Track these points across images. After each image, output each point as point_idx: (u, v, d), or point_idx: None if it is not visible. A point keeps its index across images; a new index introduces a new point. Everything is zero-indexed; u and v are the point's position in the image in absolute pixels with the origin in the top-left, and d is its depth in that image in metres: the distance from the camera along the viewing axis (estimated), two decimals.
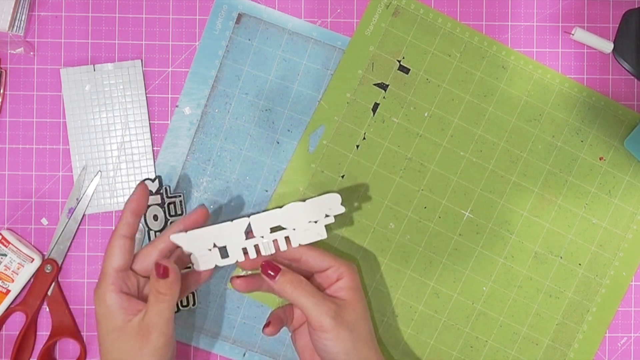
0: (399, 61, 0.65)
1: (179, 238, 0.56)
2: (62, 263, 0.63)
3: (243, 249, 0.57)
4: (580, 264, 0.65)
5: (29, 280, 0.62)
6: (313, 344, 0.57)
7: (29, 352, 0.63)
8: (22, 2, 0.63)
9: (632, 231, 0.65)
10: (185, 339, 0.64)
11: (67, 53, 0.64)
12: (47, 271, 0.62)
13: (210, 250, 0.57)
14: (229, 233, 0.57)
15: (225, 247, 0.57)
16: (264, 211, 0.59)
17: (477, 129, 0.65)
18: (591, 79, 0.66)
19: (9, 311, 0.62)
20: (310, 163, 0.64)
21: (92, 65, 0.64)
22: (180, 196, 0.63)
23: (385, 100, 0.65)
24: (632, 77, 0.66)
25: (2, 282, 0.61)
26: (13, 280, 0.61)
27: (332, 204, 0.57)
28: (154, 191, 0.63)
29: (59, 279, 0.63)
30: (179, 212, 0.63)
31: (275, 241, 0.57)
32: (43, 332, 0.63)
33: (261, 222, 0.57)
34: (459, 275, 0.65)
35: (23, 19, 0.63)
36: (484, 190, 0.65)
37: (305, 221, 0.57)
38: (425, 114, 0.65)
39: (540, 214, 0.65)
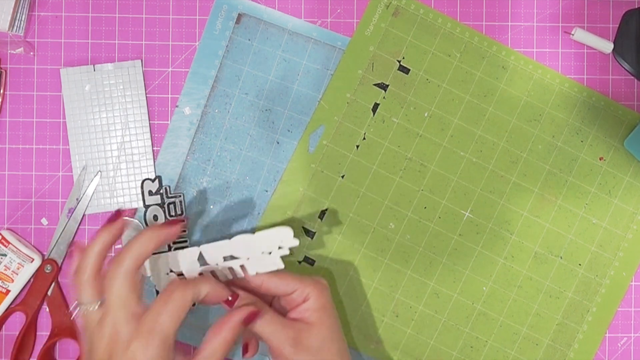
0: (399, 61, 0.65)
1: None
2: (62, 263, 0.63)
3: (200, 274, 0.56)
4: (580, 264, 0.65)
5: (29, 280, 0.62)
6: None
7: (29, 352, 0.63)
8: (22, 2, 0.63)
9: (632, 231, 0.65)
10: (186, 339, 0.64)
11: (67, 53, 0.64)
12: (47, 271, 0.62)
13: (167, 274, 0.57)
14: (183, 260, 0.56)
15: (182, 273, 0.57)
16: (214, 241, 0.57)
17: (477, 129, 0.65)
18: (591, 79, 0.66)
19: (9, 311, 0.62)
20: (310, 163, 0.64)
21: (92, 65, 0.64)
22: (180, 196, 0.64)
23: (385, 100, 0.65)
24: (632, 77, 0.66)
25: (2, 282, 0.61)
26: (13, 280, 0.61)
27: (284, 237, 0.55)
28: (154, 191, 0.63)
29: (59, 279, 0.63)
30: (179, 212, 0.63)
31: (231, 269, 0.56)
32: (43, 332, 0.63)
33: (212, 252, 0.56)
34: (459, 275, 0.65)
35: (23, 19, 0.63)
36: (484, 190, 0.65)
37: (258, 252, 0.55)
38: (425, 114, 0.65)
39: (540, 214, 0.65)
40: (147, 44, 0.64)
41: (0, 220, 0.64)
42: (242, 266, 0.56)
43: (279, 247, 0.55)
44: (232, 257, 0.56)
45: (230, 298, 0.53)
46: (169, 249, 0.63)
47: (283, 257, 0.56)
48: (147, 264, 0.57)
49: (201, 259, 0.56)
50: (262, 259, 0.55)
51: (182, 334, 0.63)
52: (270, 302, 0.59)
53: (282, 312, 0.57)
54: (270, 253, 0.55)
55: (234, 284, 0.56)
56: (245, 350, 0.57)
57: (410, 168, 0.65)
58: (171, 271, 0.57)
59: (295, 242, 0.55)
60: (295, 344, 0.53)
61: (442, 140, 0.65)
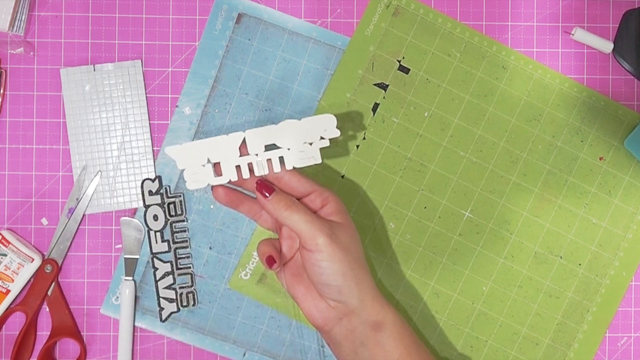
0: (399, 61, 0.65)
1: (173, 150, 0.55)
2: (62, 263, 0.63)
3: (236, 166, 0.56)
4: (580, 264, 0.65)
5: (29, 280, 0.62)
6: (307, 270, 0.55)
7: (29, 352, 0.63)
8: (22, 2, 0.63)
9: (632, 231, 0.65)
10: (185, 339, 0.64)
11: (67, 53, 0.64)
12: (47, 271, 0.62)
13: (203, 166, 0.56)
14: (224, 147, 0.55)
15: (218, 163, 0.56)
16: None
17: (477, 129, 0.65)
18: (591, 79, 0.66)
19: (9, 311, 0.62)
20: None
21: (92, 65, 0.64)
22: (180, 196, 0.64)
23: (385, 100, 0.65)
24: (632, 77, 0.66)
25: (2, 282, 0.61)
26: (13, 280, 0.61)
27: (328, 125, 0.56)
28: (154, 191, 0.63)
29: (59, 279, 0.63)
30: (179, 212, 0.63)
31: (269, 161, 0.56)
32: (43, 332, 0.63)
33: (256, 137, 0.55)
34: (459, 275, 0.65)
35: (23, 19, 0.63)
36: (484, 190, 0.65)
37: (300, 141, 0.56)
38: (425, 114, 0.65)
39: (540, 214, 0.65)
40: (147, 44, 0.64)
41: (0, 220, 0.64)
42: (280, 158, 0.56)
43: (321, 138, 0.56)
44: (274, 147, 0.56)
45: (266, 192, 0.55)
46: (174, 254, 0.63)
47: (321, 152, 0.56)
48: (177, 153, 0.55)
49: (243, 147, 0.56)
50: (302, 151, 0.56)
51: (182, 333, 0.63)
52: None
53: None
54: (311, 144, 0.56)
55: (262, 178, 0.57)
56: (271, 262, 0.56)
57: (410, 168, 0.65)
58: (208, 162, 0.56)
59: (337, 132, 0.56)
60: (330, 235, 0.53)
61: (442, 140, 0.65)
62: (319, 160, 0.56)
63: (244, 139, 0.55)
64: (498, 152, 0.65)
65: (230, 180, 0.56)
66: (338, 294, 0.54)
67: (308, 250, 0.54)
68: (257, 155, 0.56)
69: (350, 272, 0.54)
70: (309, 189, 0.56)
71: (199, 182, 0.56)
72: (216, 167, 0.56)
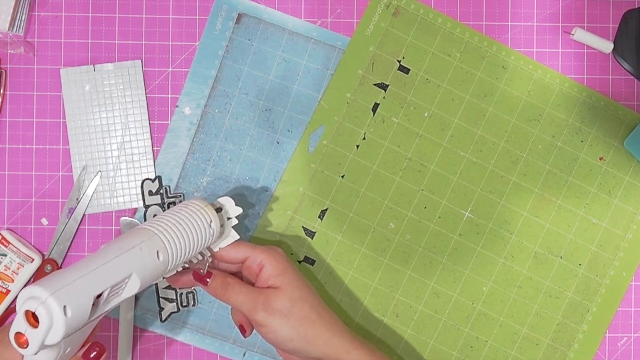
0: (399, 61, 0.65)
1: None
2: (62, 263, 0.63)
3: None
4: (580, 264, 0.65)
5: (29, 280, 0.62)
6: (263, 338, 0.57)
7: None
8: (22, 2, 0.63)
9: (632, 231, 0.65)
10: (185, 339, 0.64)
11: (67, 53, 0.64)
12: (47, 271, 0.62)
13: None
14: None
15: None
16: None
17: (477, 129, 0.65)
18: (591, 79, 0.66)
19: (9, 311, 0.62)
20: (310, 163, 0.64)
21: (92, 65, 0.64)
22: (180, 196, 0.64)
23: (385, 100, 0.65)
24: (632, 77, 0.66)
25: (2, 282, 0.61)
26: (13, 280, 0.61)
27: (228, 208, 0.58)
28: (154, 191, 0.63)
29: None
30: None
31: (201, 253, 0.58)
32: None
33: None
34: (459, 275, 0.65)
35: (23, 19, 0.63)
36: (484, 190, 0.65)
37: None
38: (425, 114, 0.65)
39: (540, 214, 0.65)
40: (147, 44, 0.64)
41: (0, 220, 0.64)
42: (208, 248, 0.58)
43: (228, 219, 0.58)
44: None
45: (206, 278, 0.57)
46: None
47: (237, 229, 0.59)
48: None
49: None
50: (218, 236, 0.58)
51: (182, 333, 0.63)
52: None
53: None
54: (222, 226, 0.57)
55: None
56: (243, 330, 0.59)
57: (410, 168, 0.65)
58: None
59: (238, 210, 0.58)
60: (266, 308, 0.55)
61: (442, 140, 0.65)
62: (237, 237, 0.58)
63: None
64: (498, 152, 0.65)
65: (177, 271, 0.58)
66: (295, 353, 0.57)
67: (253, 326, 0.57)
68: None
69: (297, 336, 0.55)
70: (241, 257, 0.58)
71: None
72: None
